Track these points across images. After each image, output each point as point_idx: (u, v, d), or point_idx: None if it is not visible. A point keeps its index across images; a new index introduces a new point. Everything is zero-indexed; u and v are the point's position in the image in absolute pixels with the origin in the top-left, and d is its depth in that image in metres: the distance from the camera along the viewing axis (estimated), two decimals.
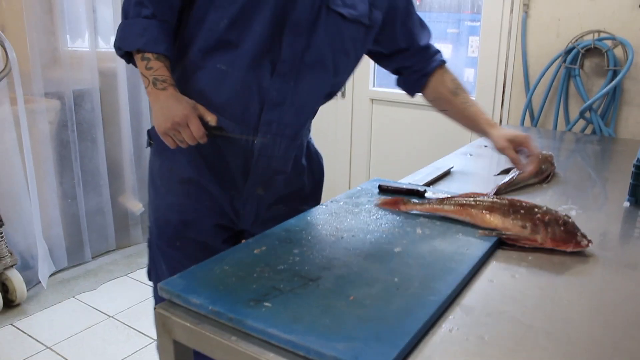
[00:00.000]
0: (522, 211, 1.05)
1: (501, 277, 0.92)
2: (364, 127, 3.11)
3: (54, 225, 2.74)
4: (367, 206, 1.21)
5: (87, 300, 2.55)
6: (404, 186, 1.32)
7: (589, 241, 1.00)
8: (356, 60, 1.31)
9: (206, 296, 0.80)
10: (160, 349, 0.85)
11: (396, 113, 2.99)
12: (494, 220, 1.06)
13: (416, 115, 2.92)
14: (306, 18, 1.13)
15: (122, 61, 1.17)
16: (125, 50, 1.11)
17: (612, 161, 1.90)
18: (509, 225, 1.04)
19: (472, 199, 1.11)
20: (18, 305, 2.46)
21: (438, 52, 1.44)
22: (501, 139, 1.32)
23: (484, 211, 1.07)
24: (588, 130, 2.35)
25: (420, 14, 1.36)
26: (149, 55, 1.09)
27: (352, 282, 0.85)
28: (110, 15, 2.95)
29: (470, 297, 0.85)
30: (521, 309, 0.81)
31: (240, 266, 0.90)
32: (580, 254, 1.00)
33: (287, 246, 0.98)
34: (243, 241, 1.01)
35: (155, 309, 0.83)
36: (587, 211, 1.25)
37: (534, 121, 2.48)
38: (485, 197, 1.11)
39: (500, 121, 2.64)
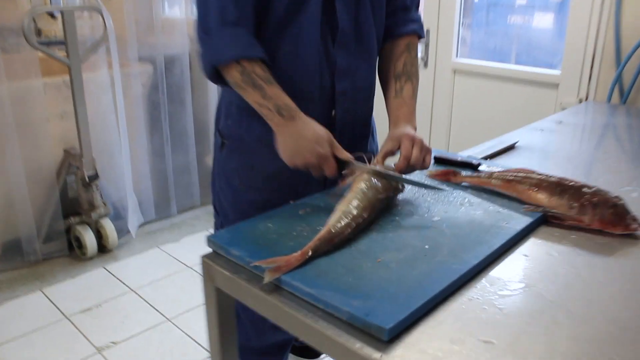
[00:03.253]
0: (570, 190, 1.03)
1: (537, 253, 0.92)
2: (446, 98, 3.06)
3: (143, 180, 2.97)
4: (419, 176, 1.23)
5: (170, 250, 2.76)
6: (459, 158, 1.32)
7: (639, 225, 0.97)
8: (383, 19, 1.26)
9: (246, 249, 0.88)
10: (205, 294, 0.94)
11: (479, 85, 2.91)
12: (541, 197, 1.05)
13: (500, 87, 2.83)
14: None
15: None
16: (221, 63, 1.06)
17: None
18: (555, 204, 1.03)
19: (521, 174, 1.10)
20: (110, 251, 2.72)
21: (417, 21, 1.32)
22: (389, 136, 1.17)
23: (531, 188, 1.06)
24: None
25: None
26: (259, 77, 1.04)
27: (383, 246, 0.89)
28: None
29: (500, 269, 0.86)
30: (548, 286, 0.82)
31: (283, 224, 0.97)
32: (629, 238, 0.97)
33: (330, 209, 1.03)
34: (291, 202, 1.08)
35: (202, 257, 0.92)
36: None
37: (623, 98, 2.33)
38: (535, 174, 1.09)
39: (587, 97, 2.50)
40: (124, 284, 2.46)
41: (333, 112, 1.21)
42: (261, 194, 1.24)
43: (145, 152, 2.97)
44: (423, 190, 1.15)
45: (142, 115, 2.93)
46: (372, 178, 1.04)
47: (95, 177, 2.57)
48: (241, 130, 1.21)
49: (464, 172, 1.20)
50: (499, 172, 1.14)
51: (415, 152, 1.11)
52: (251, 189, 1.25)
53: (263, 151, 1.20)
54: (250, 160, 1.22)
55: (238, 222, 1.27)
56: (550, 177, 1.08)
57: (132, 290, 2.41)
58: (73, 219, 2.64)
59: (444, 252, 0.87)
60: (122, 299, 2.35)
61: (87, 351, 2.00)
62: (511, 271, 0.86)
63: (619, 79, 2.33)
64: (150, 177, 3.01)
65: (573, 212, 1.01)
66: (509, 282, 0.83)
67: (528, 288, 0.81)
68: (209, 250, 0.94)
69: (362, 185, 1.01)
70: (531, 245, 0.95)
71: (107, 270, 2.57)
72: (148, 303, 2.32)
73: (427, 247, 0.89)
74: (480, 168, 1.28)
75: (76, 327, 2.14)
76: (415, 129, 1.21)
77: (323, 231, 0.89)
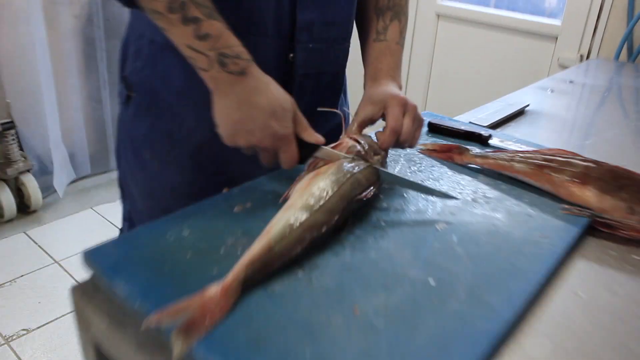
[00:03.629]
0: (631, 186, 0.72)
1: (594, 289, 0.60)
2: (426, 48, 2.70)
3: (76, 130, 2.55)
4: (407, 151, 0.90)
5: (105, 212, 2.39)
6: (463, 127, 0.99)
7: None
8: None
9: (140, 282, 0.53)
10: (80, 346, 0.60)
11: (466, 33, 2.55)
12: (588, 195, 0.73)
13: (491, 37, 2.48)
14: None
15: None
16: None
17: None
18: (608, 206, 0.71)
19: (557, 157, 0.78)
20: (33, 212, 2.33)
21: None
22: (367, 97, 0.83)
23: (572, 180, 0.74)
24: None
25: None
26: (194, 4, 0.66)
27: (363, 280, 0.56)
28: None
29: (545, 323, 0.55)
30: None
31: (206, 232, 0.62)
32: None
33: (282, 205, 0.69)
34: (225, 190, 0.73)
35: (71, 290, 0.58)
36: None
37: (632, 56, 2.03)
38: (577, 159, 0.77)
39: (589, 54, 2.18)
40: (47, 253, 2.09)
41: (291, 55, 0.85)
42: (183, 175, 0.87)
43: (78, 96, 2.52)
44: (417, 177, 0.81)
45: (74, 52, 2.47)
46: (352, 159, 0.70)
47: (10, 125, 2.14)
48: (155, 77, 0.83)
49: (472, 149, 0.87)
50: (523, 152, 0.81)
51: (407, 124, 0.77)
52: (169, 168, 0.87)
53: (187, 111, 0.83)
54: (168, 124, 0.84)
55: (150, 214, 0.94)
56: (600, 164, 0.76)
57: (55, 261, 2.05)
58: None
59: (459, 291, 0.55)
60: (43, 272, 1.99)
61: None
62: (562, 327, 0.54)
63: (630, 35, 2.01)
64: (84, 126, 2.58)
65: (635, 218, 0.70)
66: (561, 350, 0.51)
67: None
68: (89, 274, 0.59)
69: (334, 170, 0.67)
70: (582, 273, 0.63)
71: (28, 236, 2.19)
72: (74, 278, 1.96)
73: (432, 281, 0.56)
74: (491, 142, 0.95)
75: None
76: (400, 88, 0.86)
77: (258, 246, 0.55)
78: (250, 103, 0.68)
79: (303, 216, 0.59)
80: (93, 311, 0.53)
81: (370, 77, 0.87)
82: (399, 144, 0.78)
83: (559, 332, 0.53)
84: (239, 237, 0.62)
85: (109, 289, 0.55)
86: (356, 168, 0.68)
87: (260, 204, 0.69)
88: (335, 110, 0.83)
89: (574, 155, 0.78)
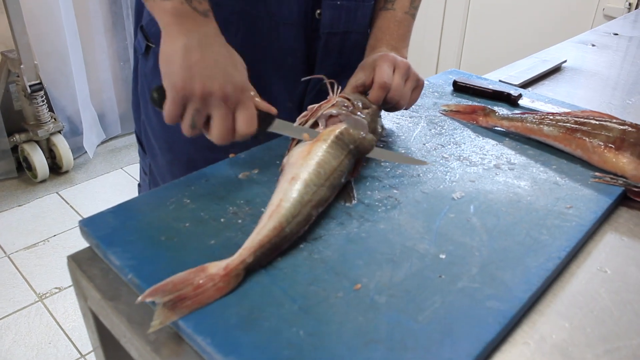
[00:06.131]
0: None
1: (623, 264, 0.55)
2: (461, 1, 2.57)
3: (105, 90, 2.55)
4: (429, 113, 0.85)
5: (134, 173, 2.41)
6: (490, 86, 0.93)
7: None
8: None
9: (134, 252, 0.51)
10: (81, 312, 0.59)
11: None
12: (623, 162, 0.67)
13: None
14: None
15: None
16: None
17: None
18: None
19: (591, 120, 0.71)
20: (66, 172, 2.37)
21: None
22: (360, 65, 0.78)
23: (607, 145, 0.68)
24: None
25: None
26: None
27: (368, 253, 0.52)
28: None
29: (562, 304, 0.50)
30: None
31: (207, 200, 0.60)
32: None
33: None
34: (231, 155, 0.70)
35: (67, 258, 0.56)
36: None
37: None
38: (613, 122, 0.70)
39: (639, 2, 2.03)
40: (78, 213, 2.13)
41: (318, 12, 0.80)
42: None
43: (105, 56, 2.52)
44: (436, 140, 0.76)
45: (99, 10, 2.45)
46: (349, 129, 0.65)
47: (39, 87, 2.15)
48: None
49: (498, 109, 0.81)
50: (553, 115, 0.75)
51: (397, 80, 0.72)
52: None
53: None
54: None
55: (171, 168, 0.93)
56: (638, 127, 0.69)
57: None
58: (19, 136, 2.25)
59: (470, 267, 0.51)
60: (75, 232, 2.03)
61: (26, 299, 1.71)
62: (583, 307, 0.50)
63: None
64: (112, 86, 2.58)
65: None
66: (579, 333, 0.47)
67: (624, 351, 0.45)
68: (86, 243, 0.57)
69: (334, 139, 0.62)
70: (610, 247, 0.58)
71: (60, 196, 2.23)
72: None
73: (442, 256, 0.52)
74: (521, 102, 0.89)
75: (17, 268, 1.83)
76: (404, 58, 0.79)
77: (269, 227, 0.51)
78: (213, 47, 0.62)
79: (311, 191, 0.55)
80: (87, 282, 0.52)
81: (370, 47, 0.82)
82: (390, 101, 0.73)
83: (578, 313, 0.49)
84: (241, 205, 0.59)
85: (104, 259, 0.53)
86: (350, 145, 0.63)
87: (268, 170, 0.66)
88: (322, 77, 0.77)
89: (611, 117, 0.71)
